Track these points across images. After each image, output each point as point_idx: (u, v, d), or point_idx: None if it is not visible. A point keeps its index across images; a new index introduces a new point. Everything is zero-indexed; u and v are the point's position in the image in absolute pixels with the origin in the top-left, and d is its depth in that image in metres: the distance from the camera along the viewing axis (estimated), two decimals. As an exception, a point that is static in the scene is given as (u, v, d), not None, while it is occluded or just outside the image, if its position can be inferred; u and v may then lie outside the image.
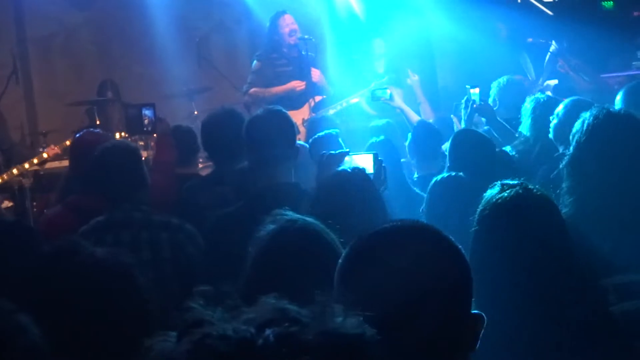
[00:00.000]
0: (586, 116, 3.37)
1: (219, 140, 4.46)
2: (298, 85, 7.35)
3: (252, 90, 7.39)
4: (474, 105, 5.93)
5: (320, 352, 0.98)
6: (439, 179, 3.82)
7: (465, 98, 6.04)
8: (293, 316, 1.01)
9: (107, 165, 3.78)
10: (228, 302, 1.05)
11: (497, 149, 4.68)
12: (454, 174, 3.83)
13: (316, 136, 5.11)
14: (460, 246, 1.52)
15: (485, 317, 1.46)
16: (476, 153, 4.28)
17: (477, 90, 6.07)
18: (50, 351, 2.08)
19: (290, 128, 3.68)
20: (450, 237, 1.52)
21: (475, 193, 2.70)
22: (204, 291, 1.09)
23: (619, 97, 4.99)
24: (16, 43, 9.12)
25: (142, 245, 3.60)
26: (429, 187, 3.83)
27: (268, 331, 0.98)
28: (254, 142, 3.59)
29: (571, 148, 3.37)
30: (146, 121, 5.97)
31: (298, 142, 5.97)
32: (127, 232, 3.63)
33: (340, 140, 4.72)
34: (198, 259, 3.64)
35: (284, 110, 3.73)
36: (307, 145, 4.88)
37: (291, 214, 2.29)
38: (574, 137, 3.39)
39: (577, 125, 3.39)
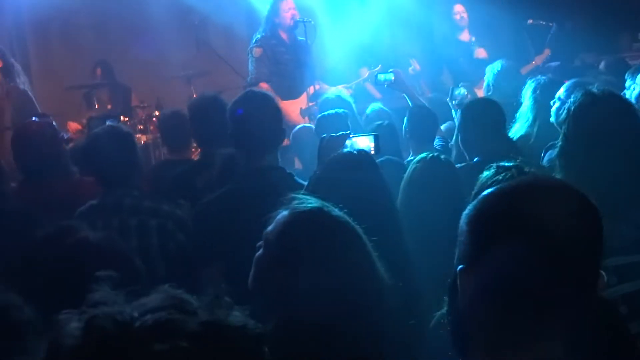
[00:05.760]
0: (570, 103, 3.20)
1: (205, 125, 4.49)
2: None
3: (262, 85, 7.28)
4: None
5: (199, 340, 1.04)
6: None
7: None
8: (181, 305, 1.08)
9: (100, 150, 3.75)
10: (132, 288, 1.12)
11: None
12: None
13: (324, 114, 5.05)
14: None
15: None
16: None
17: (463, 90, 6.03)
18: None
19: (276, 112, 3.64)
20: None
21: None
22: (108, 276, 1.16)
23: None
24: (14, 27, 9.10)
25: (130, 231, 3.58)
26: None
27: (149, 315, 1.05)
28: (239, 126, 3.56)
29: (561, 137, 3.22)
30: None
31: (306, 124, 5.95)
32: (117, 218, 3.61)
33: (348, 122, 4.71)
34: (188, 246, 3.63)
35: (268, 93, 3.70)
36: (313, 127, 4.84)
37: (305, 197, 2.27)
38: (561, 126, 3.25)
39: (563, 114, 3.24)
